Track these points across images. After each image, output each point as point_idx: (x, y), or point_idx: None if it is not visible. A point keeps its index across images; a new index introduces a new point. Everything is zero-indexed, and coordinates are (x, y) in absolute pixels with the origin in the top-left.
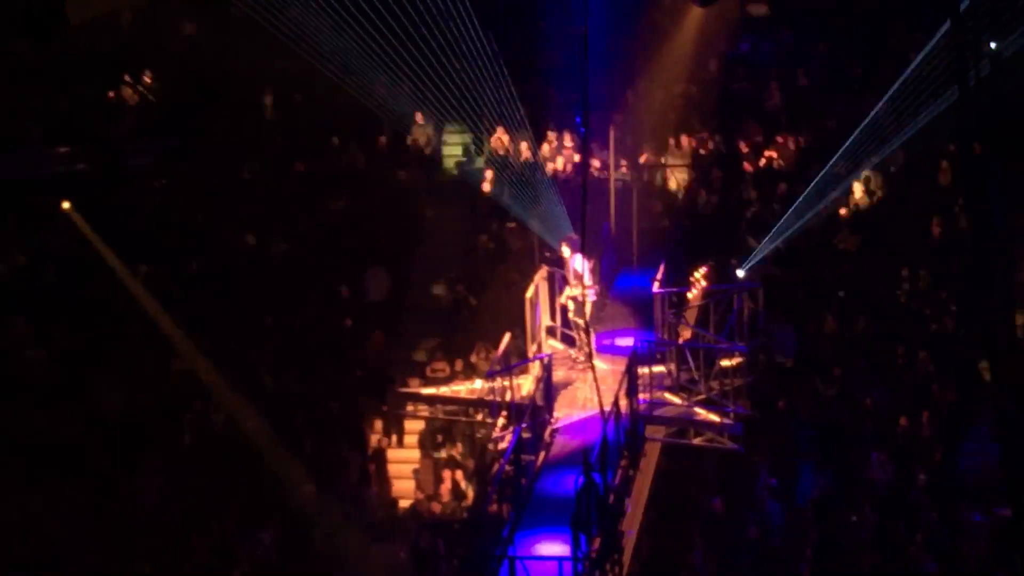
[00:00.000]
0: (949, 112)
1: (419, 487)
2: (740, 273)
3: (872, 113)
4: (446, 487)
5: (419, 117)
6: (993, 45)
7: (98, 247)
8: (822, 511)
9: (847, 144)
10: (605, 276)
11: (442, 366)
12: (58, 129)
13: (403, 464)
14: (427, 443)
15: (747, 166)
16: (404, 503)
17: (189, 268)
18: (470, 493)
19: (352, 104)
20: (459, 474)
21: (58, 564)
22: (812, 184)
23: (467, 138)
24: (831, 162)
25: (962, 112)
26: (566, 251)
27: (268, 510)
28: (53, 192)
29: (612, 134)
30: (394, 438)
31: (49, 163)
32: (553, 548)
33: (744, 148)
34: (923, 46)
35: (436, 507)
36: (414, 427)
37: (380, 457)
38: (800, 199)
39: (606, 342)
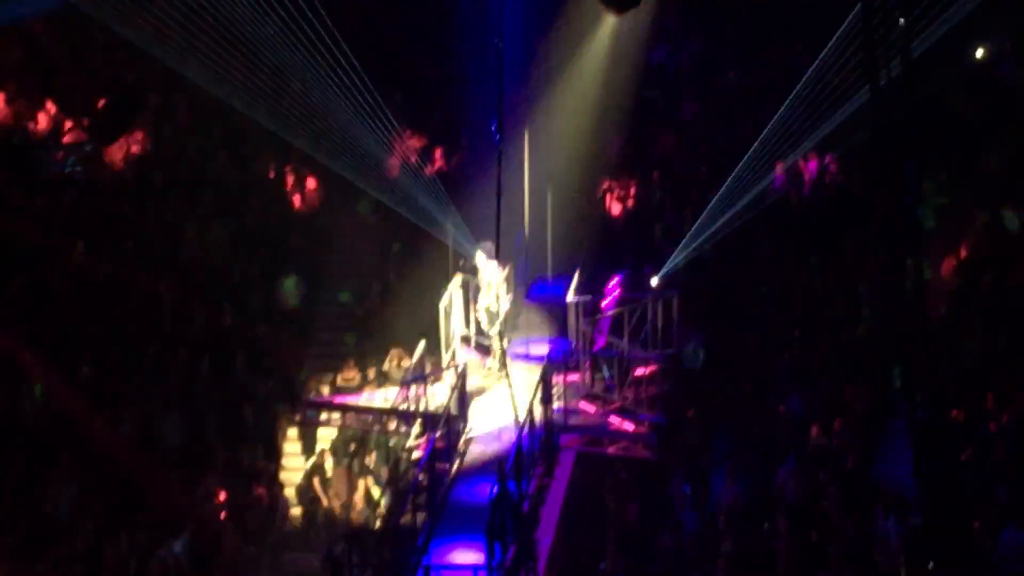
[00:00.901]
0: (862, 113)
1: (332, 496)
2: (654, 281)
3: (783, 117)
4: (359, 495)
5: None
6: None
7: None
8: (735, 519)
9: (759, 149)
10: (519, 284)
11: (353, 374)
12: None
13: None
14: (340, 451)
15: (661, 174)
16: (315, 512)
17: (97, 275)
18: (383, 502)
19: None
20: (371, 482)
21: None
22: (724, 190)
23: None
24: (743, 168)
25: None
26: (480, 258)
27: (180, 519)
28: None
29: (527, 141)
30: (305, 446)
31: None
32: (468, 557)
33: (657, 156)
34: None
35: (350, 515)
36: (327, 435)
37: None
38: (712, 206)
39: (520, 350)
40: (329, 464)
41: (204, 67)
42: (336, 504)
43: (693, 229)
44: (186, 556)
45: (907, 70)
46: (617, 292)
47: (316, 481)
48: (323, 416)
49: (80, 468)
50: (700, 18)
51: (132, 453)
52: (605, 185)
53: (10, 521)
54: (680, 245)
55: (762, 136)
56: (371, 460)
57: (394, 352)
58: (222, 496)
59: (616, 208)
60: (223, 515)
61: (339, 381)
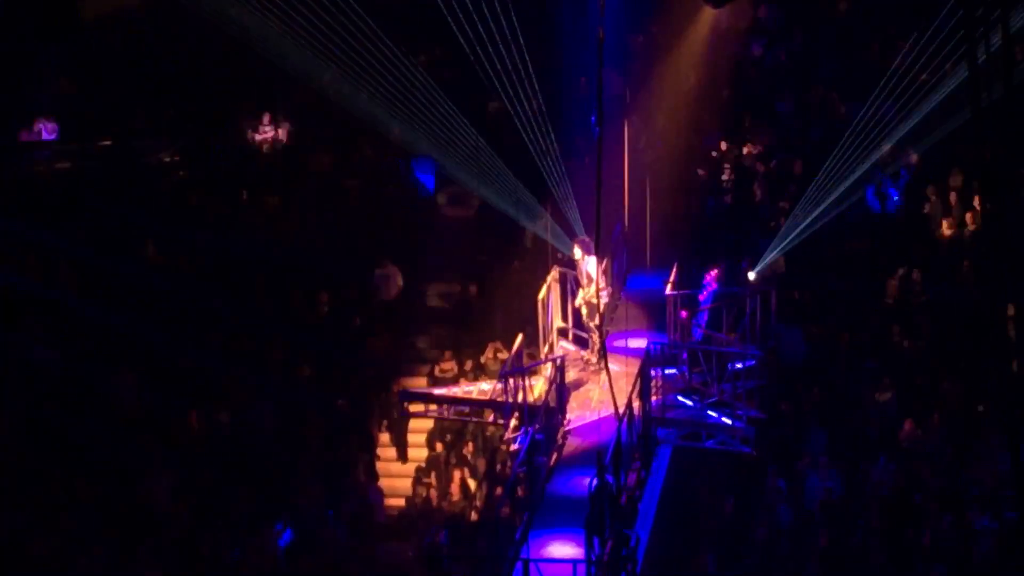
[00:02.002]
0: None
1: (429, 487)
2: (751, 275)
3: (883, 116)
4: (455, 487)
5: None
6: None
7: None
8: (830, 514)
9: (858, 147)
10: (617, 277)
11: (450, 366)
12: (72, 125)
13: (413, 464)
14: (436, 443)
15: (759, 167)
16: (413, 502)
17: (199, 263)
18: (479, 494)
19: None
20: (468, 474)
21: (68, 562)
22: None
23: None
24: (841, 165)
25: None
26: (578, 253)
27: (276, 510)
28: (66, 188)
29: (627, 134)
30: (403, 437)
31: (62, 158)
32: (566, 550)
33: (755, 150)
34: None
35: (445, 507)
36: (423, 426)
37: (389, 456)
38: (810, 202)
39: (618, 344)
40: (425, 455)
41: (305, 57)
42: (432, 495)
43: (789, 223)
44: (283, 547)
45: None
46: (713, 286)
47: (413, 472)
48: (420, 407)
49: (177, 458)
50: (798, 13)
51: (228, 443)
52: (704, 177)
53: (108, 510)
54: (777, 239)
55: (855, 130)
56: (468, 451)
57: (491, 345)
58: (318, 487)
59: (714, 201)
60: (319, 505)
61: (436, 372)
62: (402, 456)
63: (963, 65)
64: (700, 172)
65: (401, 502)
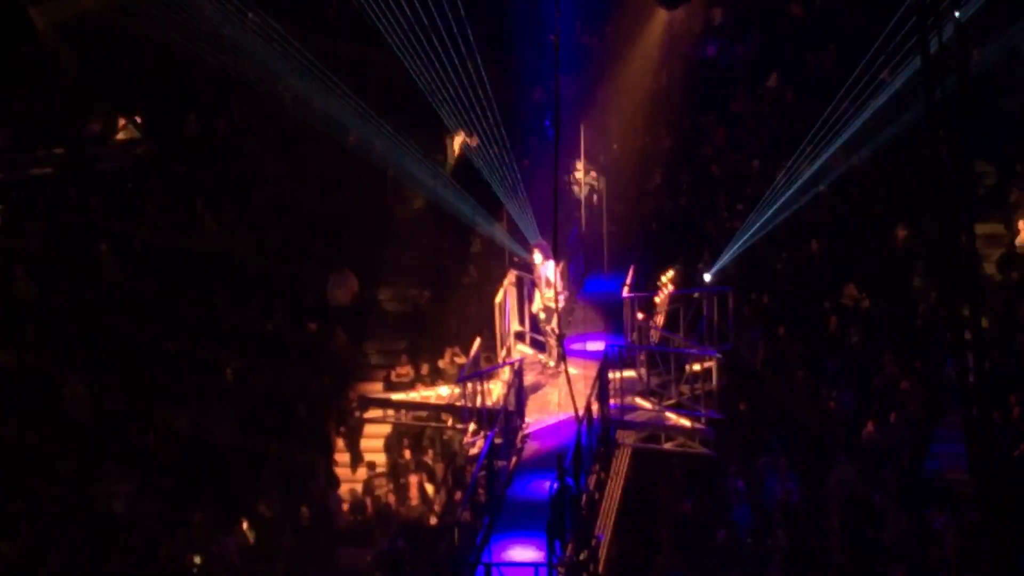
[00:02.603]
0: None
1: (387, 492)
2: (707, 277)
3: (838, 115)
4: (414, 492)
5: None
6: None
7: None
8: (789, 514)
9: (813, 147)
10: (574, 280)
11: (407, 371)
12: (25, 134)
13: (370, 469)
14: (394, 448)
15: (714, 169)
16: (371, 508)
17: (155, 271)
18: (439, 498)
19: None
20: (426, 479)
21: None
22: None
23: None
24: (796, 165)
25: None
26: (537, 257)
27: (235, 515)
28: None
29: (582, 137)
30: (360, 442)
31: (16, 168)
32: (527, 553)
33: (709, 151)
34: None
35: (403, 512)
36: (380, 431)
37: (346, 461)
38: (765, 203)
39: (576, 347)
40: (383, 460)
41: (256, 66)
42: (390, 500)
43: (745, 224)
44: (241, 552)
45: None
46: (668, 288)
47: (370, 477)
48: (378, 412)
49: (135, 464)
50: (751, 14)
51: (186, 449)
52: (658, 180)
53: (67, 516)
54: (732, 240)
55: (813, 132)
56: (426, 456)
57: (449, 350)
58: (276, 492)
59: (669, 203)
60: (277, 511)
61: (392, 377)
62: (354, 463)
63: (917, 62)
64: (655, 174)
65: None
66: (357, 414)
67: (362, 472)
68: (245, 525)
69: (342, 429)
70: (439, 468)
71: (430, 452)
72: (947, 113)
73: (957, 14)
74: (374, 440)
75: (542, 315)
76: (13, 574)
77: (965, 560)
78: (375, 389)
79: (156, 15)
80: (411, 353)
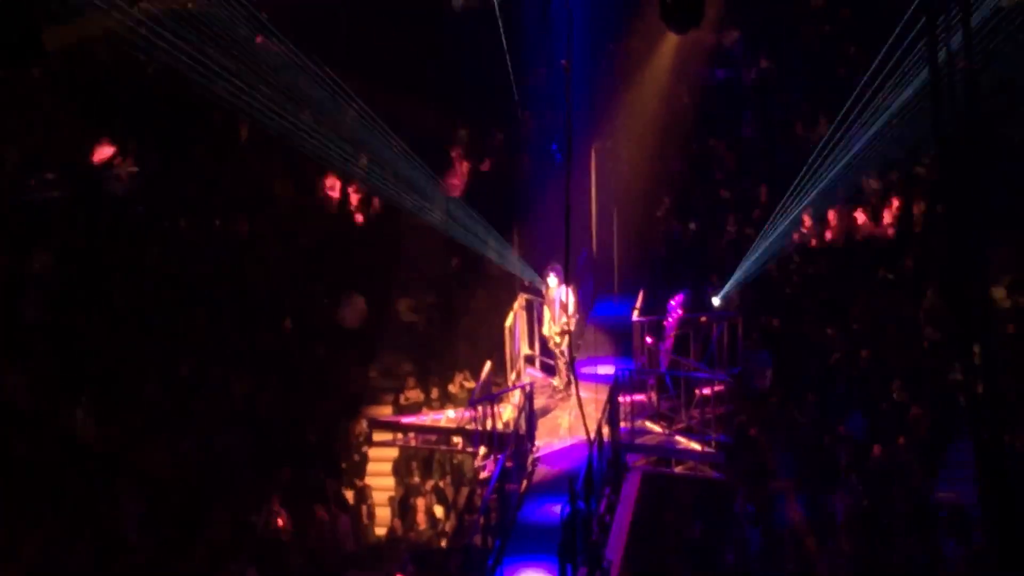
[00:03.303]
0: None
1: (394, 515)
2: (715, 301)
3: (849, 140)
4: (422, 516)
5: None
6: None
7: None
8: (799, 538)
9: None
10: (583, 304)
11: (416, 394)
12: (35, 156)
13: (379, 492)
14: (403, 471)
15: (723, 193)
16: (380, 532)
17: (164, 293)
18: (448, 522)
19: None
20: (436, 502)
21: None
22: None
23: None
24: (805, 190)
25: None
26: (552, 280)
27: (244, 539)
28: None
29: (593, 161)
30: (370, 466)
31: (25, 190)
32: None
33: (719, 175)
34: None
35: (412, 536)
36: (390, 455)
37: (355, 485)
38: (775, 226)
39: (586, 370)
40: (392, 483)
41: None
42: (399, 524)
43: (755, 248)
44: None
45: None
46: (678, 312)
47: (380, 501)
48: (387, 436)
49: (142, 486)
50: (761, 38)
51: (195, 473)
52: (668, 204)
53: (73, 539)
54: (742, 264)
55: (820, 157)
56: (438, 481)
57: (459, 374)
58: (285, 515)
59: (679, 226)
60: (287, 534)
61: (401, 401)
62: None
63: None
64: (665, 199)
65: (373, 531)
66: (365, 437)
67: (377, 496)
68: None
69: (351, 452)
70: (449, 491)
71: (440, 475)
72: (958, 133)
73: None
74: (383, 464)
75: (555, 338)
76: None
77: None
78: (384, 412)
79: (166, 40)
80: (420, 377)
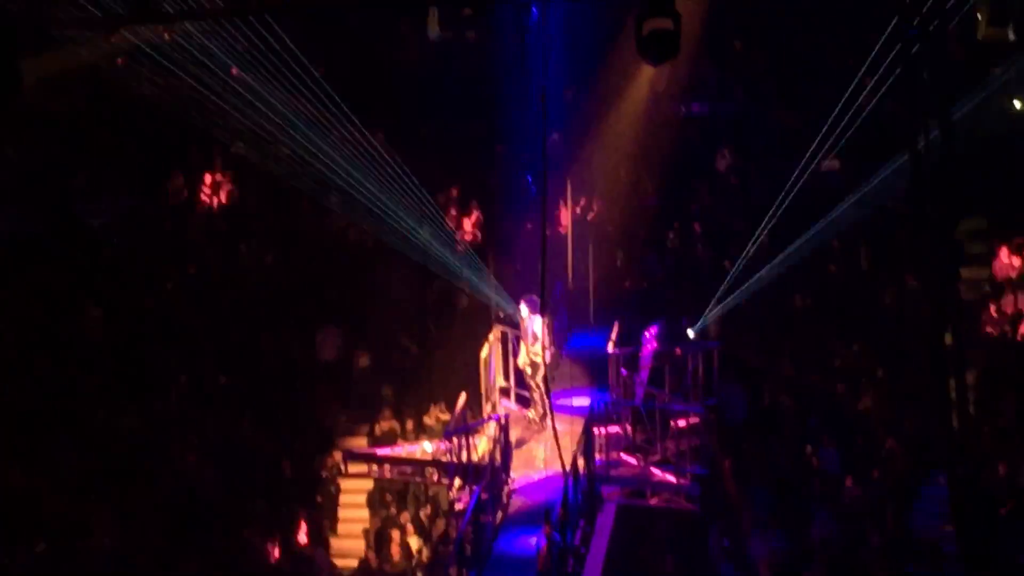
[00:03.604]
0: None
1: (369, 547)
2: (690, 333)
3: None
4: (397, 548)
5: None
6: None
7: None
8: (774, 571)
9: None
10: (559, 335)
11: (390, 425)
12: (10, 189)
13: (354, 524)
14: (377, 503)
15: (696, 227)
16: (354, 563)
17: (142, 327)
18: (423, 554)
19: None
20: (410, 535)
21: None
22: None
23: None
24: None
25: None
26: (524, 311)
27: (220, 571)
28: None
29: (568, 192)
30: (344, 498)
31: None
32: None
33: (694, 208)
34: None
35: (386, 568)
36: (364, 487)
37: (330, 517)
38: (748, 258)
39: (561, 402)
40: (367, 516)
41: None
42: (373, 556)
43: (730, 281)
44: None
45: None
46: (653, 344)
47: (355, 532)
48: (362, 467)
49: (119, 520)
50: (737, 71)
51: (171, 506)
52: (643, 236)
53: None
54: (717, 297)
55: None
56: (410, 512)
57: (434, 406)
58: (261, 547)
59: (654, 259)
60: (263, 567)
61: (376, 432)
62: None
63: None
64: (640, 231)
65: (346, 563)
66: (340, 469)
67: (352, 528)
68: None
69: (327, 485)
70: (424, 523)
71: (415, 507)
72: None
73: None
74: (357, 495)
75: (528, 369)
76: None
77: None
78: (359, 444)
79: (143, 72)
80: (395, 409)
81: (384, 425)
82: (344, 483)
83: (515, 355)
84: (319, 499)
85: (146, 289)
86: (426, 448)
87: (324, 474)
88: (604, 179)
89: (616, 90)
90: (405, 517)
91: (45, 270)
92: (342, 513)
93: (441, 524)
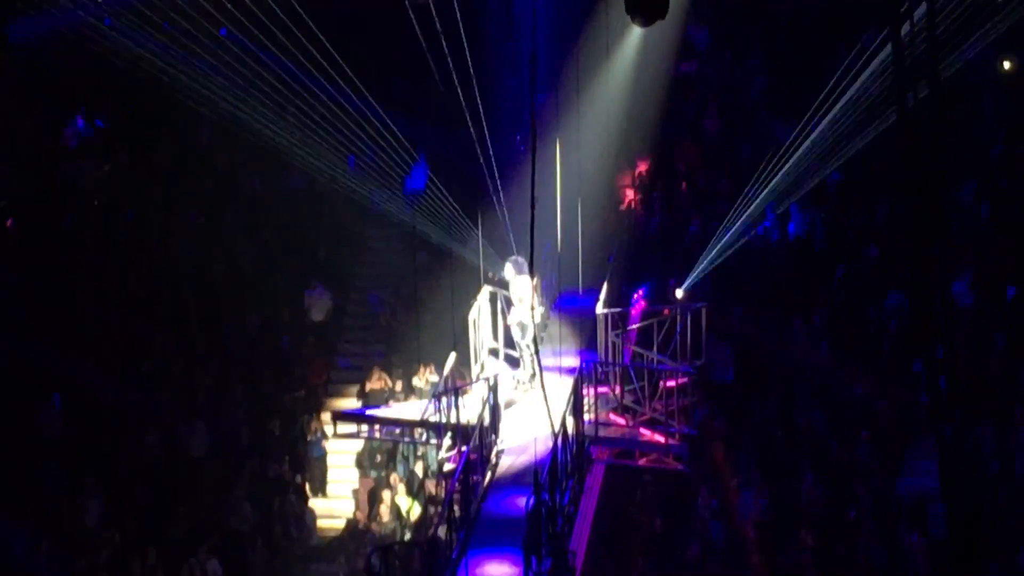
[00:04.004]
0: (889, 134)
1: (358, 508)
2: (679, 293)
3: (812, 135)
4: (385, 507)
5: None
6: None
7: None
8: (762, 531)
9: (785, 166)
10: (547, 295)
11: (380, 385)
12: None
13: (342, 484)
14: (366, 463)
15: (686, 185)
16: (343, 524)
17: (129, 289)
18: (411, 514)
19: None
20: (399, 495)
21: None
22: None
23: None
24: (769, 184)
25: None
26: (510, 272)
27: (207, 532)
28: None
29: (558, 154)
30: (333, 459)
31: None
32: (502, 569)
33: (683, 168)
34: (864, 67)
35: (375, 529)
36: (354, 447)
37: (319, 478)
38: (738, 220)
39: (550, 363)
40: (356, 477)
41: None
42: (362, 516)
43: (717, 241)
44: (217, 569)
45: (935, 92)
46: (642, 304)
47: (343, 493)
48: (351, 427)
49: (106, 480)
50: (726, 32)
51: (159, 465)
52: (633, 196)
53: (39, 532)
54: (705, 256)
55: (785, 151)
56: (399, 472)
57: (422, 367)
58: (249, 508)
59: (643, 219)
60: (250, 527)
61: (367, 389)
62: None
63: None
64: (629, 191)
65: (334, 523)
66: (330, 429)
67: (337, 488)
68: None
69: (315, 444)
70: (413, 484)
71: (401, 468)
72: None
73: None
74: (346, 456)
75: (517, 330)
76: None
77: None
78: (347, 405)
79: (131, 31)
80: (385, 368)
81: (374, 384)
82: (333, 444)
83: (504, 315)
84: (306, 459)
85: (132, 249)
86: (415, 409)
87: (311, 436)
88: (594, 140)
89: (606, 51)
90: (395, 478)
91: (31, 231)
92: (331, 474)
93: (430, 485)
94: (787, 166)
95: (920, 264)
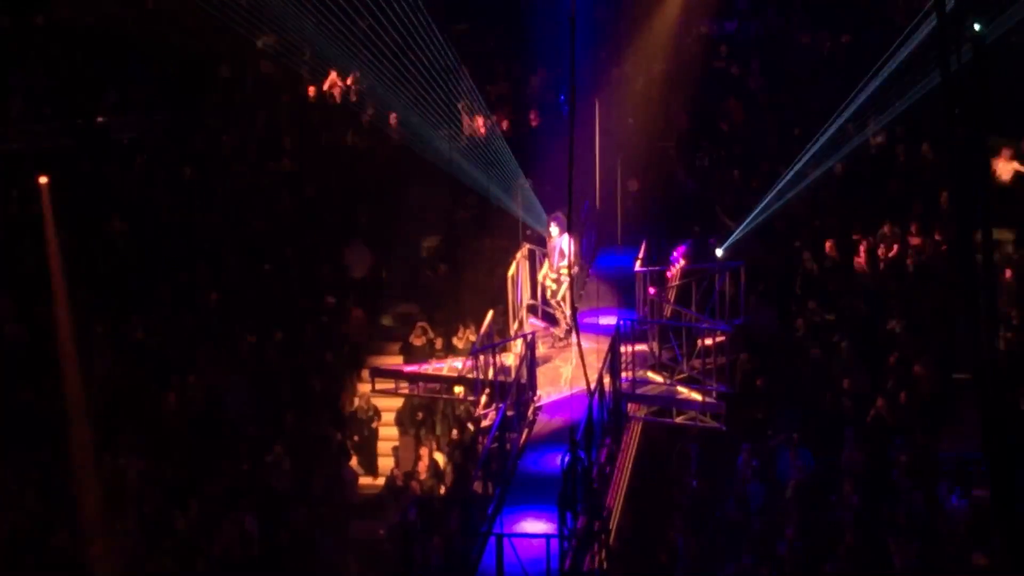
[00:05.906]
0: (933, 95)
1: (398, 465)
2: (719, 252)
3: (855, 95)
4: (424, 465)
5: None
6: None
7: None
8: (802, 491)
9: (828, 126)
10: (586, 254)
11: (421, 340)
12: (39, 104)
13: (382, 442)
14: (406, 420)
15: (729, 144)
16: (382, 481)
17: (171, 244)
18: (449, 471)
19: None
20: (437, 452)
21: (37, 542)
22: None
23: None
24: (809, 141)
25: (945, 97)
26: (554, 229)
27: (248, 488)
28: (33, 167)
29: (597, 113)
30: (373, 415)
31: (30, 138)
32: (538, 526)
33: (725, 127)
34: (907, 29)
35: (414, 485)
36: (394, 404)
37: (360, 434)
38: (781, 179)
39: (589, 321)
40: (396, 432)
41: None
42: (401, 473)
43: (760, 200)
44: (255, 524)
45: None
46: (681, 263)
47: (383, 450)
48: (390, 384)
49: (148, 437)
50: None
51: (200, 422)
52: (673, 155)
53: (79, 492)
54: (746, 216)
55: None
56: (438, 429)
57: (462, 326)
58: (289, 465)
59: (684, 177)
60: (290, 484)
61: (411, 342)
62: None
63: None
64: (669, 148)
65: (374, 480)
66: (369, 386)
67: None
68: None
69: (355, 401)
70: (451, 440)
71: (441, 424)
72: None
73: (977, 27)
74: (386, 413)
75: (552, 286)
76: (23, 549)
77: (976, 538)
78: (388, 362)
79: None
80: (425, 326)
81: (415, 340)
82: (373, 401)
83: (543, 273)
84: (347, 415)
85: (174, 204)
86: (454, 366)
87: (354, 396)
88: (634, 100)
89: (647, 10)
90: (432, 434)
91: (74, 185)
92: (370, 430)
93: (468, 441)
94: (831, 127)
95: (963, 221)
